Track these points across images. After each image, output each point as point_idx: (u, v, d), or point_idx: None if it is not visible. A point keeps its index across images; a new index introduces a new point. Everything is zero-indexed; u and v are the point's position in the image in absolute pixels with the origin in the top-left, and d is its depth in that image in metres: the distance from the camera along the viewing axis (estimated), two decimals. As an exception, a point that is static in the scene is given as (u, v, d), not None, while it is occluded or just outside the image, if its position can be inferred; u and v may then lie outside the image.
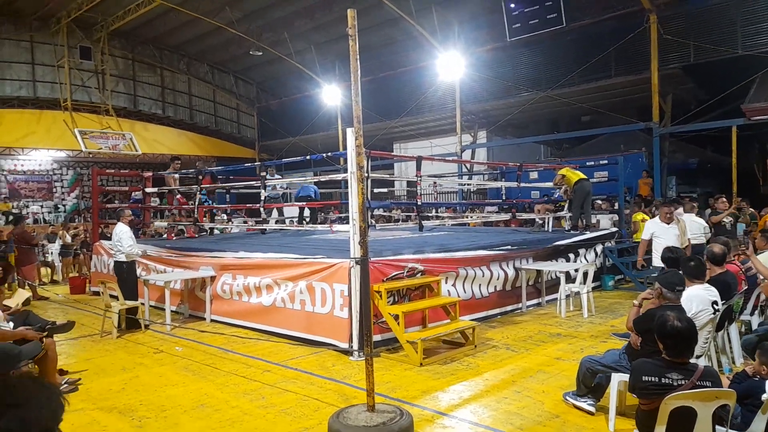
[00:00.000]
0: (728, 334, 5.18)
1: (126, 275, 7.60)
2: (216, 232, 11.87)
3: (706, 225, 8.30)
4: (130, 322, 7.16)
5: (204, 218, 10.67)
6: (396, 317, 5.73)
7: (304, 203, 10.78)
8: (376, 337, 5.79)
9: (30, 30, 20.34)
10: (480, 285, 7.38)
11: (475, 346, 5.97)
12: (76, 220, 20.49)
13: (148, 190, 10.98)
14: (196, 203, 9.98)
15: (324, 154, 8.42)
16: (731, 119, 13.60)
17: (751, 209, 11.07)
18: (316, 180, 10.06)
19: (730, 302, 4.88)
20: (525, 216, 11.81)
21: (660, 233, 7.04)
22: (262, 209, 8.98)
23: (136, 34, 22.30)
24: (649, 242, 7.20)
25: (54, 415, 1.26)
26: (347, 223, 6.45)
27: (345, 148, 6.13)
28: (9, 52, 20.05)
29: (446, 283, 6.82)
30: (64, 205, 22.36)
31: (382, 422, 3.68)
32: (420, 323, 6.30)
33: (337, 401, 4.48)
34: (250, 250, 7.66)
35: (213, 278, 7.58)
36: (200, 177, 9.94)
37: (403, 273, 6.28)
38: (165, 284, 7.33)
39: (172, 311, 7.41)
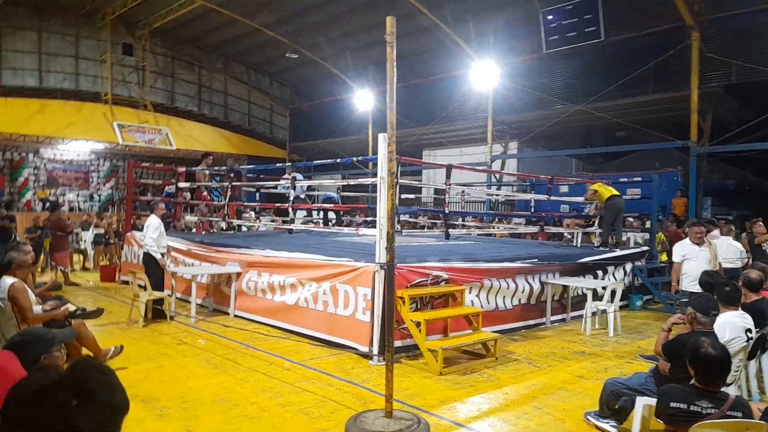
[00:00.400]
0: (761, 363, 5.00)
1: (154, 266, 7.74)
2: (244, 229, 12.03)
3: (743, 249, 8.05)
4: (156, 313, 7.30)
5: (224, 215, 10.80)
6: (418, 324, 5.70)
7: (330, 205, 10.85)
8: (397, 343, 5.76)
9: (76, 25, 21.03)
10: (504, 297, 7.29)
11: (497, 359, 5.90)
12: (110, 210, 21.03)
13: (181, 185, 11.20)
14: (227, 200, 10.13)
15: (354, 158, 8.47)
16: (773, 141, 13.18)
17: None
18: (344, 183, 10.11)
19: (764, 330, 4.71)
20: (553, 230, 11.64)
21: (691, 255, 6.66)
22: (290, 209, 9.06)
23: (177, 33, 22.85)
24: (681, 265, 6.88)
25: (124, 394, 1.30)
26: (373, 227, 6.44)
27: (375, 152, 6.14)
28: (55, 45, 20.76)
29: (470, 293, 6.76)
30: (99, 195, 22.97)
31: (399, 429, 3.66)
32: (441, 332, 6.25)
33: (355, 404, 4.47)
34: (277, 248, 7.74)
35: (239, 274, 7.68)
36: (231, 175, 10.09)
37: (427, 280, 6.25)
38: (192, 277, 7.46)
39: (197, 304, 7.53)
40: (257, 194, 10.68)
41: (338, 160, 8.88)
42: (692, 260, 6.59)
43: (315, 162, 9.95)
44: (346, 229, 9.94)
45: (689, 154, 14.23)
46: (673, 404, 2.81)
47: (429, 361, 5.53)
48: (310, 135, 25.20)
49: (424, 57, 19.80)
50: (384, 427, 3.69)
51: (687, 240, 6.87)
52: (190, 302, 7.54)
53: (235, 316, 7.62)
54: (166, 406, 4.38)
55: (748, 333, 4.05)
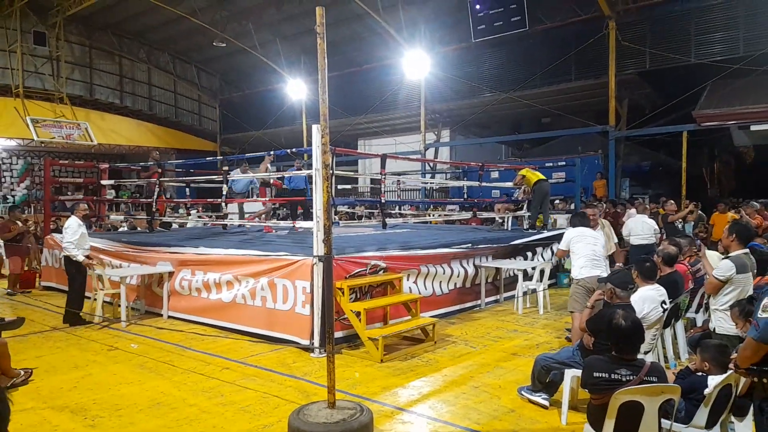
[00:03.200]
0: (675, 331, 5.42)
1: (75, 271, 7.31)
2: (175, 227, 11.61)
3: (656, 227, 8.64)
4: (71, 317, 6.93)
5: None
6: (358, 314, 5.75)
7: (264, 199, 10.62)
8: (338, 334, 5.80)
9: (-21, 12, 19.36)
10: (441, 282, 7.48)
11: (435, 343, 6.05)
12: (26, 212, 19.66)
13: (104, 182, 10.64)
14: (155, 196, 9.73)
15: (288, 150, 8.34)
16: (682, 124, 14.19)
17: (699, 212, 11.52)
18: (279, 175, 9.95)
19: (677, 301, 5.10)
20: (485, 215, 12.01)
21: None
22: (223, 204, 8.83)
23: (94, 20, 21.51)
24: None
25: (4, 404, 1.22)
26: (310, 219, 6.41)
27: (309, 143, 6.10)
28: (-43, 34, 19.06)
29: (408, 280, 6.88)
30: (13, 196, 21.40)
31: (343, 419, 3.70)
32: (381, 320, 6.34)
33: (298, 398, 4.47)
34: (211, 245, 7.53)
35: (171, 274, 7.42)
36: (159, 170, 9.69)
37: (366, 270, 6.30)
38: (121, 279, 7.13)
39: (128, 307, 7.22)
40: (187, 189, 10.29)
41: (272, 152, 8.72)
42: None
43: (247, 154, 9.72)
44: (282, 223, 9.81)
45: (608, 138, 15.08)
46: (596, 374, 3.02)
47: (370, 350, 5.60)
48: (242, 126, 24.57)
49: (356, 45, 19.74)
50: (327, 418, 3.71)
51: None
52: (120, 306, 7.21)
53: (169, 317, 7.37)
54: (99, 415, 4.20)
55: (663, 305, 4.37)
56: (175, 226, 11.65)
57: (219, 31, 20.15)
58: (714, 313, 4.43)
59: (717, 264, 4.73)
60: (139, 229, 11.39)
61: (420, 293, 6.93)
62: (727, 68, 13.33)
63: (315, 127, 5.46)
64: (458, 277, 7.72)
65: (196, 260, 7.26)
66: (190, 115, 26.33)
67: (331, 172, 5.70)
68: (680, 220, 9.29)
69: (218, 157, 17.90)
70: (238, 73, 25.31)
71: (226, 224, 9.68)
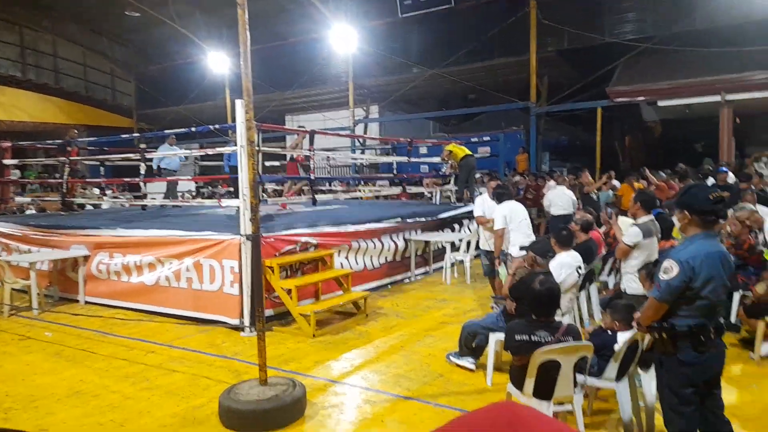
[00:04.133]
0: (589, 293, 5.80)
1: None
2: (89, 208, 10.93)
3: (575, 198, 9.12)
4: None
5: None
6: (289, 291, 5.72)
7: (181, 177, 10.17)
8: (269, 312, 5.75)
9: None
10: (372, 257, 7.56)
11: (367, 315, 6.15)
12: None
13: (7, 161, 9.79)
14: (65, 176, 9.09)
15: (211, 126, 8.02)
16: (597, 101, 14.95)
17: (614, 182, 12.20)
18: (203, 152, 9.57)
19: (592, 266, 5.46)
20: (414, 190, 12.19)
21: (489, 212, 6.35)
22: (142, 183, 8.40)
23: (-13, -15, 19.47)
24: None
25: None
26: (237, 197, 6.24)
27: (234, 119, 5.90)
28: None
29: (339, 255, 6.91)
30: None
31: (275, 394, 3.69)
32: (313, 296, 6.35)
33: (229, 378, 4.41)
34: (129, 227, 7.17)
35: (86, 258, 7.01)
36: (69, 148, 9.04)
37: (296, 248, 6.25)
38: (30, 265, 6.66)
39: (39, 294, 6.76)
40: (101, 168, 9.68)
41: (194, 129, 8.34)
42: (491, 215, 6.23)
43: (167, 131, 9.24)
44: (207, 202, 9.49)
45: (530, 115, 15.66)
46: (517, 337, 3.19)
47: (302, 326, 5.60)
48: (160, 101, 23.28)
49: (282, 18, 19.12)
50: (259, 395, 3.69)
51: (485, 195, 6.66)
52: (30, 293, 6.74)
53: (86, 302, 7.00)
54: (12, 407, 3.95)
55: (578, 270, 4.66)
56: (89, 207, 10.97)
57: (133, 0, 18.85)
58: (624, 275, 4.77)
59: (627, 230, 5.08)
60: (48, 211, 10.61)
61: (351, 268, 6.98)
62: (638, 47, 14.14)
63: (239, 103, 5.29)
64: (389, 251, 7.83)
65: (114, 242, 6.90)
66: (103, 90, 24.60)
67: (257, 148, 5.58)
68: (595, 190, 9.85)
69: (135, 134, 16.91)
70: (154, 45, 23.82)
71: (146, 204, 9.22)
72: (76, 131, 10.13)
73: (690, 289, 2.54)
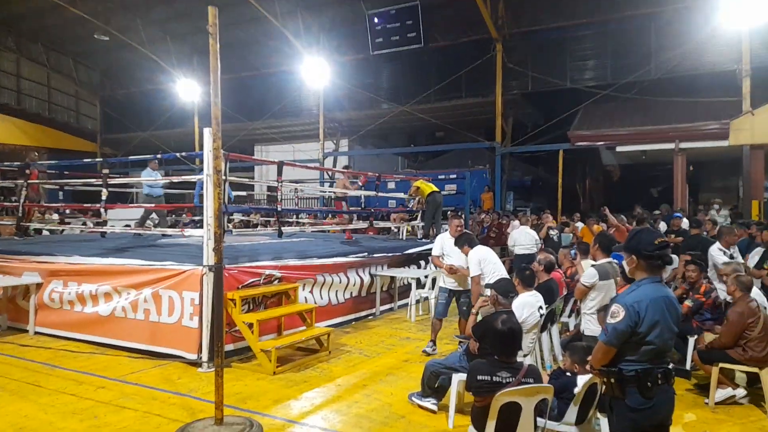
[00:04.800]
0: (551, 334, 5.87)
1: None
2: (46, 233, 10.54)
3: (537, 238, 9.32)
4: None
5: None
6: (250, 326, 5.59)
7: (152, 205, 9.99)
8: (228, 347, 5.60)
9: None
10: (337, 291, 7.49)
11: (330, 352, 6.05)
12: None
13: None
14: (21, 200, 8.78)
15: (177, 154, 7.94)
16: (559, 143, 15.48)
17: (579, 222, 12.45)
18: (167, 180, 9.41)
19: (553, 306, 5.54)
20: (382, 224, 12.23)
21: (448, 250, 6.15)
22: (102, 209, 8.17)
23: (-51, 1, 19.04)
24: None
25: None
26: (201, 227, 6.14)
27: (202, 147, 5.85)
28: None
29: (303, 289, 6.81)
30: None
31: (231, 435, 3.57)
32: (275, 331, 6.22)
33: (183, 416, 4.24)
34: (87, 254, 6.93)
35: (39, 285, 6.73)
36: (28, 171, 8.76)
37: (260, 280, 6.15)
38: (-23, 293, 6.35)
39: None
40: (60, 193, 9.38)
41: (159, 155, 8.23)
42: (450, 255, 6.11)
43: (132, 157, 9.06)
44: (170, 230, 9.28)
45: (495, 154, 16.07)
46: (479, 377, 3.19)
47: (262, 362, 5.46)
48: (127, 126, 22.95)
49: (254, 48, 19.29)
50: (214, 436, 3.57)
51: (445, 234, 6.40)
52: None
53: (36, 333, 6.68)
54: (-56, 447, 3.69)
55: (540, 309, 4.73)
56: (45, 232, 10.58)
57: (101, 24, 18.71)
58: (583, 316, 4.86)
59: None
60: (2, 235, 10.19)
61: (316, 303, 6.89)
62: (597, 93, 14.80)
63: (207, 131, 5.25)
64: (354, 285, 7.78)
65: (69, 270, 6.64)
66: (66, 112, 24.10)
67: (223, 178, 5.52)
68: (554, 231, 10.06)
69: (98, 159, 16.47)
70: (122, 69, 23.57)
71: (105, 231, 8.95)
72: (36, 153, 9.82)
73: (636, 333, 2.58)
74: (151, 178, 8.88)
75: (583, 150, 15.92)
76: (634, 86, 14.42)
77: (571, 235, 11.17)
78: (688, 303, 5.52)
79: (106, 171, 8.18)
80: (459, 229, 6.19)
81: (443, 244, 6.23)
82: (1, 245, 8.11)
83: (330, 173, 16.91)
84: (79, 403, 4.52)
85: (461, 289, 6.06)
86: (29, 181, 8.76)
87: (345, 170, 11.39)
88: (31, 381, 5.04)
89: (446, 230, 6.69)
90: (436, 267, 6.52)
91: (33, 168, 9.13)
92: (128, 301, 6.03)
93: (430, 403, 4.37)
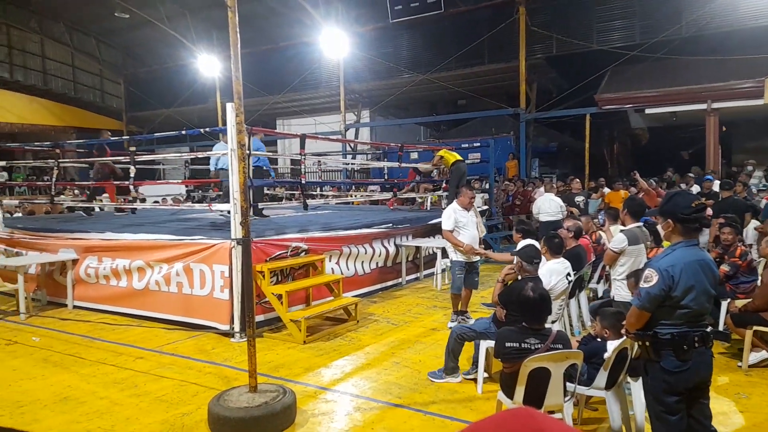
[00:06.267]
0: (579, 300, 5.84)
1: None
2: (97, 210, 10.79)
3: (563, 204, 9.17)
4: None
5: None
6: (279, 297, 5.69)
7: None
8: (259, 318, 5.72)
9: None
10: (363, 262, 7.55)
11: (358, 322, 6.13)
12: None
13: (-6, 163, 9.68)
14: (54, 179, 9.00)
15: (201, 129, 7.98)
16: (586, 107, 15.07)
17: (606, 188, 12.22)
18: (192, 156, 9.51)
19: (581, 273, 5.49)
20: (406, 195, 12.20)
21: (462, 222, 5.94)
22: (132, 186, 8.33)
23: (-27, -16, 19.26)
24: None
25: None
26: (228, 202, 6.22)
27: (224, 123, 5.88)
28: None
29: (330, 261, 6.89)
30: None
31: (265, 402, 3.67)
32: (304, 302, 6.33)
33: (218, 384, 4.38)
34: (118, 230, 7.11)
35: (75, 261, 6.94)
36: (58, 150, 8.94)
37: (287, 252, 6.23)
38: (17, 269, 6.58)
39: (27, 298, 6.68)
40: (90, 172, 9.57)
41: (184, 132, 8.29)
42: (464, 227, 5.94)
43: (157, 134, 9.13)
44: (197, 206, 9.43)
45: (519, 121, 15.75)
46: (507, 344, 3.19)
47: (292, 332, 5.57)
48: (150, 104, 23.15)
49: (273, 21, 19.10)
50: (249, 402, 3.67)
51: (455, 205, 6.08)
52: (18, 297, 6.65)
53: (75, 307, 6.92)
54: (-3, 415, 3.89)
55: (568, 276, 4.68)
56: (97, 209, 10.78)
57: (120, 1, 18.72)
58: (613, 282, 4.81)
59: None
60: (37, 214, 10.49)
61: (342, 273, 6.97)
62: (625, 55, 14.29)
63: (230, 107, 5.26)
64: (380, 256, 7.83)
65: (103, 246, 6.83)
66: (92, 91, 24.41)
67: (247, 152, 5.55)
68: (580, 197, 9.89)
69: (125, 137, 16.75)
70: (144, 47, 23.68)
71: (135, 208, 9.15)
72: (109, 132, 9.86)
73: (670, 297, 2.56)
74: (223, 151, 8.71)
75: (610, 114, 15.49)
76: (663, 46, 13.85)
77: (599, 200, 10.99)
78: (725, 267, 5.41)
79: (133, 148, 8.30)
80: (472, 201, 6.04)
81: (456, 216, 5.91)
82: (37, 223, 8.36)
83: (352, 145, 16.85)
84: (119, 373, 4.70)
85: (475, 260, 6.03)
86: (59, 161, 8.92)
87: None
88: (73, 353, 5.25)
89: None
90: (450, 244, 5.99)
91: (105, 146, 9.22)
92: (161, 275, 6.19)
93: (450, 381, 4.37)
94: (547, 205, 9.12)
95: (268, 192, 14.33)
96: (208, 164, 9.24)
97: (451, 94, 18.94)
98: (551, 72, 17.06)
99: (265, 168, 8.55)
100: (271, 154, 13.43)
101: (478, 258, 6.07)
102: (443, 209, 10.22)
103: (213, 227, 7.17)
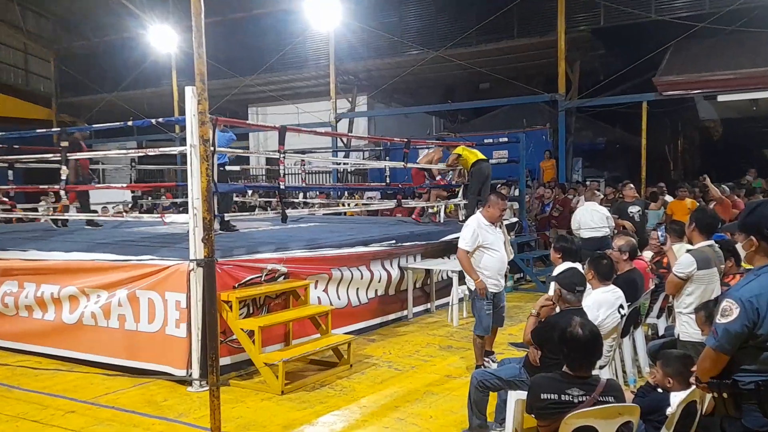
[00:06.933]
0: (634, 340, 5.82)
1: None
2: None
3: (609, 215, 9.16)
4: None
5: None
6: (251, 334, 5.68)
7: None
8: (225, 360, 5.70)
9: None
10: (358, 289, 7.55)
11: (351, 366, 6.12)
12: None
13: None
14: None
15: (153, 120, 8.02)
16: (642, 94, 15.13)
17: (668, 196, 12.20)
18: (141, 153, 9.54)
19: (637, 304, 5.48)
20: (413, 204, 12.21)
21: (487, 240, 5.82)
22: (63, 192, 8.34)
23: None
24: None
25: None
26: (185, 211, 6.24)
27: (182, 112, 5.91)
28: None
29: (316, 288, 6.89)
30: None
31: (231, 470, 3.65)
32: (282, 340, 6.33)
33: (171, 447, 4.36)
34: (45, 248, 7.12)
35: (-10, 288, 6.94)
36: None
37: (261, 277, 6.23)
38: None
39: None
40: (10, 172, 9.58)
41: (130, 123, 8.32)
42: (490, 247, 5.85)
43: (96, 125, 9.16)
44: (147, 216, 9.45)
45: (557, 110, 15.79)
46: (543, 396, 3.17)
47: (267, 379, 5.56)
48: (88, 88, 23.20)
49: (244, -18, 19.30)
50: (211, 470, 3.65)
51: (479, 215, 6.02)
52: None
53: (-11, 346, 6.91)
54: None
55: (620, 309, 4.67)
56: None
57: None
58: (678, 316, 4.80)
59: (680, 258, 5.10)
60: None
61: (332, 304, 6.96)
62: (692, 27, 14.36)
63: (189, 91, 5.30)
64: (379, 282, 7.83)
65: (24, 268, 6.84)
66: (13, 71, 24.52)
67: (212, 149, 5.57)
68: (635, 208, 9.91)
69: (54, 129, 16.77)
70: (81, 15, 23.82)
71: (66, 219, 9.16)
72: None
73: (755, 336, 2.55)
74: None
75: (673, 101, 15.57)
76: (740, 16, 13.93)
77: (660, 212, 11.00)
78: None
79: (65, 144, 8.32)
80: (503, 213, 6.01)
81: (480, 233, 5.81)
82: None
83: (345, 139, 16.91)
84: (43, 431, 4.67)
85: (499, 288, 5.98)
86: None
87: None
88: (-15, 405, 5.23)
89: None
90: (464, 272, 5.91)
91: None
92: (99, 306, 6.18)
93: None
94: (589, 218, 9.11)
95: (238, 199, 14.38)
96: (161, 164, 9.33)
97: (471, 76, 19.04)
98: (598, 48, 17.16)
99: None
100: (241, 151, 13.51)
101: (502, 285, 6.04)
102: (461, 222, 10.30)
103: (166, 244, 7.17)
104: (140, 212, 11.32)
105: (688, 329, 4.57)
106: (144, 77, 21.73)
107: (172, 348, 5.74)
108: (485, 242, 5.83)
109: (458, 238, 8.85)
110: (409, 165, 11.10)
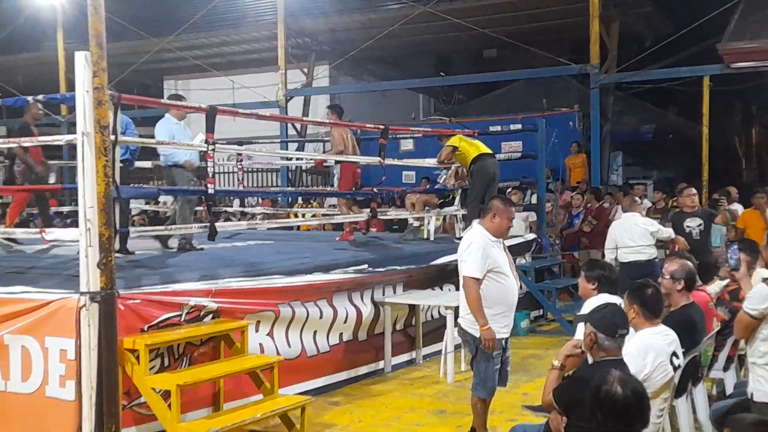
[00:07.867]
0: (693, 399, 5.86)
1: None
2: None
3: (656, 230, 9.23)
4: None
5: None
6: (166, 395, 5.64)
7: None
8: (130, 431, 5.67)
9: None
10: (315, 333, 7.53)
11: (306, 439, 6.10)
12: None
13: None
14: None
15: (30, 97, 7.99)
16: (703, 66, 15.30)
17: (735, 205, 12.28)
18: (13, 144, 9.45)
19: (696, 352, 5.52)
20: (393, 214, 12.25)
21: (494, 262, 5.82)
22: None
23: None
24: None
25: None
26: (75, 225, 6.19)
27: (71, 86, 5.88)
28: None
29: (257, 331, 6.87)
30: None
31: None
32: (210, 403, 6.31)
33: None
34: None
35: None
36: None
37: (181, 316, 6.20)
38: None
39: None
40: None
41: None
42: (499, 271, 5.84)
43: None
44: (19, 231, 9.35)
45: (590, 87, 15.90)
46: (571, 481, 3.19)
47: (188, 458, 5.52)
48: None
49: None
50: None
51: (482, 231, 5.97)
52: None
53: None
54: None
55: (674, 358, 4.70)
56: None
57: None
58: (751, 369, 4.85)
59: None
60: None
61: (279, 353, 6.94)
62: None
63: (81, 57, 5.25)
64: (345, 323, 7.83)
65: None
66: None
67: (113, 138, 5.54)
68: (693, 222, 10.01)
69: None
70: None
71: None
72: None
73: None
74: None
75: (744, 76, 15.79)
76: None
77: (725, 226, 11.13)
78: None
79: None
80: (510, 224, 6.04)
81: (487, 253, 5.79)
82: None
83: (299, 126, 16.89)
84: None
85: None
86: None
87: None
88: None
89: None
90: (472, 313, 5.82)
91: None
92: (-48, 357, 6.11)
93: None
94: (627, 235, 9.20)
95: (148, 208, 14.31)
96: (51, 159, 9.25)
97: (472, 39, 19.17)
98: (643, 4, 17.36)
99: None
100: (154, 141, 13.42)
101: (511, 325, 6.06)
102: (458, 239, 10.34)
103: (47, 271, 7.10)
104: (10, 225, 11.14)
105: (765, 386, 4.62)
106: (17, 38, 21.60)
107: (55, 416, 5.69)
108: (495, 265, 5.78)
109: (454, 261, 8.94)
110: (389, 161, 11.10)
